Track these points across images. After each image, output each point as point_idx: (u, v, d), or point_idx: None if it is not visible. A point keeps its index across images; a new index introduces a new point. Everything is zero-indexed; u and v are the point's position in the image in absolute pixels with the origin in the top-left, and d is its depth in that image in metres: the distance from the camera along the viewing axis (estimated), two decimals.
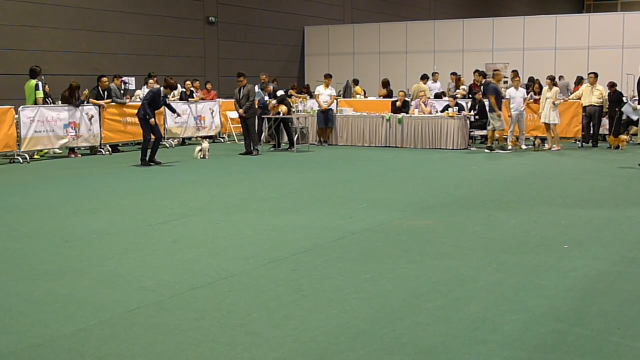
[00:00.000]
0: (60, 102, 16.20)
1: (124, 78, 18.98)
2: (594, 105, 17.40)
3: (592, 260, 6.62)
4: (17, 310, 5.25)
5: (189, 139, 19.30)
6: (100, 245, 7.30)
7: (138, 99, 17.84)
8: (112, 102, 16.94)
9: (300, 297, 5.54)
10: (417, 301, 5.41)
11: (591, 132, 17.78)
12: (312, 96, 20.51)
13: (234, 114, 17.87)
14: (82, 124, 16.08)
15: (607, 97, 17.46)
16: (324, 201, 9.96)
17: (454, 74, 22.36)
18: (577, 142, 17.68)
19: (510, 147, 16.72)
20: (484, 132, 17.45)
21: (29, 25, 19.58)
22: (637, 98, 17.31)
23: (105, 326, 4.88)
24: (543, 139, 17.21)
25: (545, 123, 16.86)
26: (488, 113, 16.56)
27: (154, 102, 14.34)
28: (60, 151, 16.18)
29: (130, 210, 9.28)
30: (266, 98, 17.70)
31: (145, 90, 17.84)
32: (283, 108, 17.18)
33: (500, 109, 16.26)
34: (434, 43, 27.84)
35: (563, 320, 4.98)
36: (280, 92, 17.87)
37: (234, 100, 16.86)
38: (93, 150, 16.60)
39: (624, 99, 17.71)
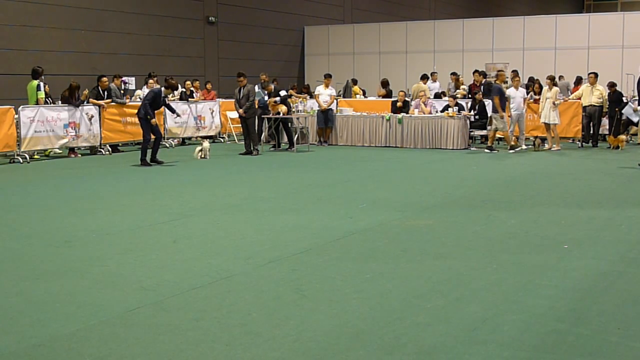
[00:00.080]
0: (60, 102, 16.20)
1: (124, 78, 18.98)
2: (594, 105, 17.40)
3: (592, 260, 6.62)
4: (17, 310, 5.25)
5: (189, 139, 19.31)
6: (100, 245, 7.30)
7: (138, 99, 17.82)
8: (112, 102, 16.94)
9: (300, 297, 5.54)
10: (417, 301, 5.41)
11: (591, 132, 17.78)
12: (312, 96, 20.50)
13: (234, 114, 17.88)
14: (82, 124, 16.08)
15: (607, 97, 17.47)
16: (324, 201, 9.96)
17: (454, 74, 22.36)
18: (577, 142, 17.69)
19: (523, 146, 16.75)
20: (484, 132, 17.46)
21: (29, 25, 19.58)
22: (637, 98, 17.32)
23: (105, 326, 4.88)
24: (543, 139, 17.21)
25: (545, 123, 16.86)
26: (492, 114, 16.54)
27: (154, 102, 14.37)
28: (60, 151, 16.18)
29: (130, 210, 9.28)
30: (266, 98, 17.69)
31: (145, 91, 17.83)
32: (283, 108, 17.18)
33: (504, 110, 16.25)
34: (434, 43, 27.84)
35: (563, 320, 4.98)
36: (283, 92, 17.86)
37: (234, 100, 16.86)
38: (93, 150, 16.60)
39: (624, 99, 17.73)
